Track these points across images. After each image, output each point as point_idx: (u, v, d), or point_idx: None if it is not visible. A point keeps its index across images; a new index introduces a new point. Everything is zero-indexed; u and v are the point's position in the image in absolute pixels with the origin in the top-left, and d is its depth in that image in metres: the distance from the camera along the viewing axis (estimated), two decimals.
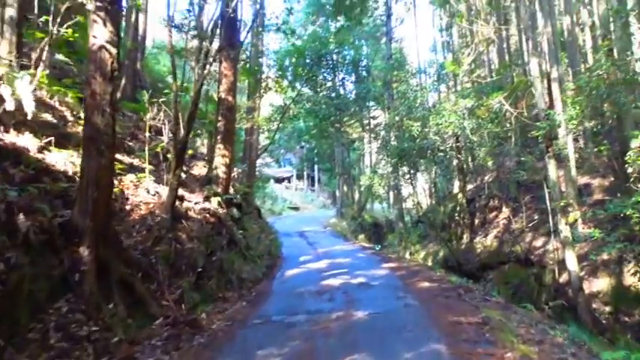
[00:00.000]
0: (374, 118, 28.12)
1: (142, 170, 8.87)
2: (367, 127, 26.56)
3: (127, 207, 7.43)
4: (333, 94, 21.47)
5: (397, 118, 16.49)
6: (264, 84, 16.82)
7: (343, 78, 21.39)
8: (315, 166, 52.91)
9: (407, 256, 24.74)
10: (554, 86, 12.91)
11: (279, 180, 58.63)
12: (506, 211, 20.38)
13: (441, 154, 16.48)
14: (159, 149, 9.19)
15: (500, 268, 18.18)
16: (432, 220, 21.95)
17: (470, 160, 22.57)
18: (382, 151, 18.85)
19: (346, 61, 20.85)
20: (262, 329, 6.34)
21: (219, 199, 9.66)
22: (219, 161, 10.12)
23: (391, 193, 38.50)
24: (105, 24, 5.78)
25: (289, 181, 59.71)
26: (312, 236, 21.82)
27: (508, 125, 15.77)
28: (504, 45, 19.26)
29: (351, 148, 27.82)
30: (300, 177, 59.05)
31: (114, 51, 5.84)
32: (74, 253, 5.47)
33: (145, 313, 5.91)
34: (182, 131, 7.94)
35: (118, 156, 9.06)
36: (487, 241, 19.88)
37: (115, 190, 7.32)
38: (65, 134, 7.69)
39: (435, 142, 15.77)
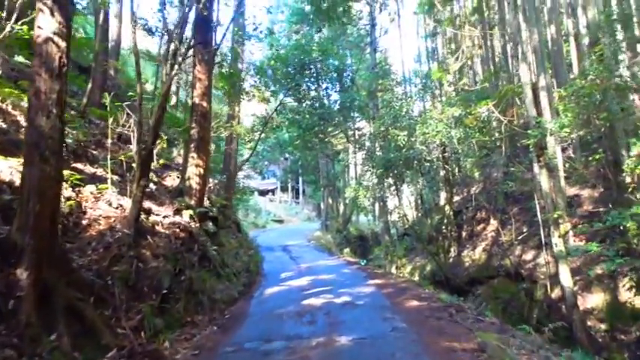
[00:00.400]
0: (359, 129, 27.66)
1: (105, 181, 8.11)
2: (352, 138, 26.03)
3: (84, 222, 6.65)
4: (317, 104, 20.89)
5: (382, 128, 15.96)
6: (243, 90, 16.13)
7: (327, 87, 20.91)
8: (300, 179, 52.24)
9: (393, 270, 24.13)
10: (543, 95, 12.50)
11: (263, 192, 57.74)
12: (494, 223, 19.94)
13: (428, 164, 15.99)
14: (123, 158, 8.43)
15: (489, 282, 17.65)
16: (418, 233, 21.39)
17: (457, 170, 22.16)
18: (367, 162, 18.28)
19: (330, 70, 20.33)
20: (233, 359, 5.61)
21: (191, 212, 8.91)
22: (193, 171, 9.39)
23: (377, 206, 38.07)
24: (52, 13, 5.07)
25: (273, 194, 58.87)
26: (296, 250, 21.07)
27: (497, 134, 15.35)
28: (489, 54, 19.02)
29: (335, 159, 27.26)
30: (284, 189, 58.27)
31: (63, 44, 5.13)
32: (10, 275, 4.70)
33: (97, 344, 5.13)
34: (149, 138, 7.23)
35: (79, 165, 8.30)
36: (475, 255, 19.37)
37: (70, 202, 6.57)
38: (16, 141, 6.93)
39: (422, 152, 15.27)
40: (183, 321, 6.83)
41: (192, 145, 9.50)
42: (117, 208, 7.56)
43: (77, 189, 7.10)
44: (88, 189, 7.32)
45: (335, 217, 32.98)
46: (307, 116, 20.55)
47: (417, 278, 21.57)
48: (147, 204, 8.37)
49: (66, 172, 6.33)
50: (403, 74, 21.42)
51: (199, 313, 7.34)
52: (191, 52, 9.21)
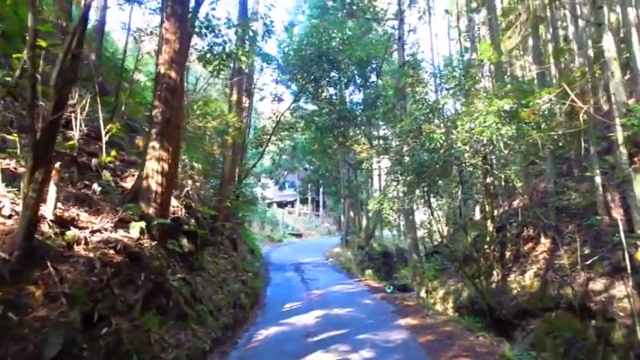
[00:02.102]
0: (384, 138, 24.64)
1: (13, 177, 5.41)
2: (376, 145, 22.97)
3: None
4: (336, 101, 18.04)
5: (414, 124, 12.98)
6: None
7: (348, 81, 17.97)
8: (320, 190, 49.32)
9: (422, 294, 20.96)
10: None
11: (281, 204, 55.09)
12: (545, 243, 16.60)
13: (470, 168, 12.92)
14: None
15: (544, 316, 14.29)
16: (452, 252, 18.14)
17: (500, 180, 18.95)
18: (395, 166, 15.27)
19: (352, 61, 17.48)
20: None
21: (142, 224, 6.11)
22: (153, 167, 6.64)
23: (402, 219, 34.78)
24: None
25: (292, 206, 56.13)
26: (310, 270, 18.12)
27: (560, 132, 12.20)
28: (552, 31, 15.58)
29: (358, 169, 24.45)
30: (304, 201, 55.41)
31: None
32: None
33: None
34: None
35: None
36: (525, 280, 15.99)
37: None
38: None
39: (463, 153, 12.21)
40: None
41: (154, 131, 6.77)
42: (10, 217, 4.83)
43: None
44: None
45: (356, 232, 29.90)
46: (325, 116, 17.68)
47: (450, 305, 18.30)
48: (72, 211, 5.61)
49: None
50: (437, 68, 18.46)
51: None
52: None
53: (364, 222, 30.45)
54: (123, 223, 6.17)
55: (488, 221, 17.13)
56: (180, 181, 8.50)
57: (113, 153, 7.24)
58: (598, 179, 14.60)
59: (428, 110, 12.91)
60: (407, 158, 14.22)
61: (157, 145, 6.80)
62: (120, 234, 5.89)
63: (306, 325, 8.32)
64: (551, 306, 14.27)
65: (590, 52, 14.31)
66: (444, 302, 18.80)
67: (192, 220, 8.39)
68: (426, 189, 15.48)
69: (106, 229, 5.70)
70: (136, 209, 6.50)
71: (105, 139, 7.12)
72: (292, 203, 56.36)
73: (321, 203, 54.46)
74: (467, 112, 11.87)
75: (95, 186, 6.69)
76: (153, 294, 5.80)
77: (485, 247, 16.83)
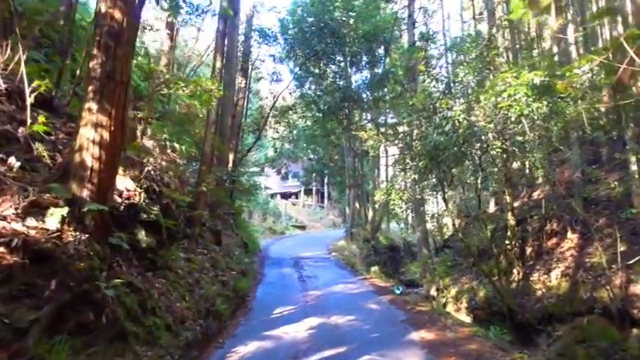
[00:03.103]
0: (393, 126, 22.75)
1: None
2: (383, 132, 21.11)
3: None
4: (340, 80, 16.23)
5: (428, 102, 11.21)
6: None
7: (354, 58, 16.09)
8: (325, 180, 47.52)
9: (433, 292, 19.28)
10: None
11: (285, 195, 53.46)
12: (572, 238, 14.78)
13: (493, 152, 11.11)
14: None
15: (574, 321, 12.58)
16: (466, 247, 16.33)
17: (523, 168, 17.07)
18: (405, 151, 13.50)
19: (357, 35, 15.62)
20: None
21: (64, 211, 4.45)
22: (89, 136, 4.96)
23: (410, 212, 32.91)
24: None
25: (297, 197, 54.46)
26: (310, 266, 16.42)
27: (602, 105, 10.37)
28: None
29: (364, 155, 22.71)
30: (308, 192, 53.69)
31: None
32: None
33: None
34: None
35: None
36: (551, 280, 14.18)
37: None
38: None
39: (486, 134, 10.41)
40: None
41: (90, 89, 5.07)
42: None
43: None
44: None
45: (362, 225, 28.17)
46: (328, 96, 15.88)
47: (464, 305, 16.59)
48: None
49: None
50: (453, 40, 16.49)
51: None
52: None
53: (370, 214, 28.72)
54: (39, 210, 4.50)
55: (509, 214, 15.28)
56: (140, 158, 6.81)
57: (41, 119, 5.54)
58: (634, 167, 12.70)
59: (444, 85, 11.12)
60: (418, 142, 12.45)
61: (94, 107, 5.09)
62: (28, 224, 4.22)
63: (295, 341, 6.64)
64: (583, 310, 12.47)
65: None
66: (456, 302, 17.07)
67: (156, 208, 6.70)
68: (439, 176, 13.72)
69: (3, 218, 4.03)
70: (63, 191, 4.81)
71: (29, 99, 5.41)
72: (296, 194, 54.69)
73: (325, 194, 52.73)
74: (492, 84, 10.07)
75: (12, 160, 5.02)
76: (73, 308, 4.13)
77: (506, 242, 15.03)
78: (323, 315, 8.37)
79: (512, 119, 9.91)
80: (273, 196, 48.40)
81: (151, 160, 6.84)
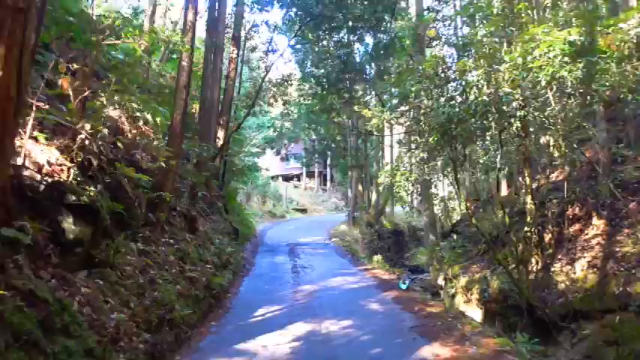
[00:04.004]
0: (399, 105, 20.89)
1: None
2: (388, 107, 19.32)
3: None
4: (340, 46, 14.49)
5: (441, 66, 9.54)
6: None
7: (356, 22, 14.26)
8: (328, 162, 45.87)
9: (440, 281, 17.81)
10: None
11: (287, 178, 51.96)
12: (598, 225, 13.16)
13: (517, 124, 9.45)
14: None
15: (604, 319, 11.08)
16: (483, 233, 14.76)
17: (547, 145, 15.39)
18: (412, 126, 11.87)
19: None
20: None
21: None
22: None
23: (416, 194, 31.23)
24: None
25: (299, 179, 52.91)
26: (307, 254, 14.94)
27: None
28: None
29: (368, 133, 21.04)
30: (310, 175, 52.10)
31: None
32: None
33: None
34: None
35: None
36: (576, 272, 12.64)
37: None
38: None
39: (510, 102, 8.73)
40: None
41: None
42: None
43: None
44: None
45: (365, 208, 26.64)
46: (327, 66, 14.17)
47: (475, 296, 15.04)
48: None
49: None
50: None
51: None
52: None
53: (374, 197, 27.16)
54: None
55: (527, 197, 13.62)
56: (73, 123, 5.22)
57: None
58: None
59: (461, 44, 9.41)
60: (429, 114, 10.78)
61: None
62: None
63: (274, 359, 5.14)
64: (615, 307, 10.86)
65: None
66: (466, 293, 15.53)
67: (94, 188, 5.15)
68: (452, 155, 12.08)
69: None
70: None
71: None
72: (298, 177, 53.14)
73: (328, 177, 51.15)
74: (520, 41, 8.37)
75: None
76: None
77: (526, 228, 13.41)
78: (313, 319, 6.87)
79: (543, 84, 8.27)
80: (274, 178, 46.91)
81: (87, 127, 5.26)
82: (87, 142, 5.20)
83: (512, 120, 9.24)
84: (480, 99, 8.71)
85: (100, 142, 5.60)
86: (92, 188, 5.15)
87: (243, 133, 29.88)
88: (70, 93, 5.20)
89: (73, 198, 4.85)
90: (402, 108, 20.38)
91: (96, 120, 5.46)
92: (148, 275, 5.83)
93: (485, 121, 9.24)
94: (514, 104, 8.99)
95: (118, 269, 5.34)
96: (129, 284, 5.30)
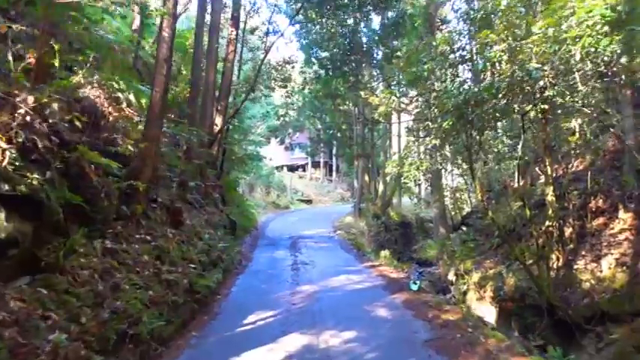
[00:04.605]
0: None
1: None
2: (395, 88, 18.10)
3: None
4: (346, 28, 13.37)
5: (458, 41, 8.44)
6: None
7: (361, 2, 13.09)
8: (334, 152, 44.75)
9: (451, 276, 16.85)
10: None
11: (292, 168, 51.03)
12: (625, 218, 12.08)
13: (544, 106, 8.34)
14: None
15: (634, 322, 10.10)
16: (499, 226, 13.66)
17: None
18: (424, 110, 10.80)
19: None
20: None
21: None
22: None
23: (424, 185, 30.27)
24: None
25: (304, 170, 51.96)
26: (309, 248, 13.96)
27: None
28: None
29: (374, 120, 19.95)
30: (316, 165, 51.05)
31: None
32: None
33: None
34: None
35: None
36: (603, 270, 11.59)
37: None
38: None
39: (538, 80, 7.62)
40: None
41: None
42: None
43: None
44: None
45: (371, 199, 25.63)
46: (331, 46, 13.06)
47: (489, 294, 14.03)
48: None
49: None
50: None
51: None
52: None
53: (381, 188, 26.13)
54: None
55: (549, 188, 12.52)
56: (12, 95, 4.23)
57: None
58: None
59: (480, 16, 8.28)
60: (444, 96, 9.70)
61: None
62: None
63: None
64: None
65: None
66: (479, 290, 14.51)
67: (38, 175, 4.17)
68: (466, 141, 11.01)
69: None
70: None
71: None
72: (303, 167, 52.16)
73: (334, 167, 50.09)
74: (552, 9, 7.24)
75: None
76: None
77: (547, 222, 12.33)
78: (311, 329, 5.89)
79: (577, 58, 7.15)
80: (278, 168, 45.94)
81: (30, 99, 4.27)
82: (29, 118, 4.20)
83: (538, 101, 8.14)
84: (503, 76, 7.62)
85: (51, 121, 4.61)
86: (36, 175, 4.17)
87: (246, 122, 28.87)
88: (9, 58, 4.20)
89: (7, 187, 3.87)
90: (412, 93, 19.32)
91: (43, 92, 4.45)
92: (111, 280, 4.86)
93: (507, 103, 8.16)
94: (540, 83, 7.89)
95: (70, 274, 4.38)
96: (83, 293, 4.33)
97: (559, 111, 8.94)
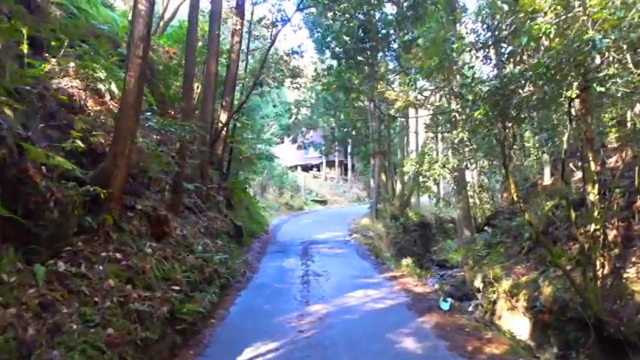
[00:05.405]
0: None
1: None
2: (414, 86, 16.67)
3: None
4: (360, 11, 12.09)
5: (497, 15, 7.08)
6: None
7: None
8: (349, 151, 43.37)
9: (477, 283, 15.44)
10: None
11: (306, 168, 49.86)
12: None
13: (613, 87, 6.91)
14: None
15: None
16: (535, 228, 12.16)
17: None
18: (450, 99, 9.43)
19: None
20: None
21: None
22: None
23: (444, 184, 28.75)
24: None
25: (318, 169, 50.74)
26: (323, 255, 12.66)
27: None
28: None
29: (393, 125, 18.64)
30: (331, 164, 49.76)
31: None
32: None
33: None
34: None
35: None
36: None
37: None
38: None
39: (603, 49, 6.17)
40: None
41: None
42: None
43: None
44: None
45: (389, 199, 24.28)
46: (344, 34, 11.76)
47: (522, 304, 12.58)
48: None
49: None
50: None
51: None
52: None
53: (398, 187, 24.76)
54: None
55: (591, 186, 10.97)
56: None
57: None
58: None
59: None
60: (476, 80, 8.33)
61: None
62: None
63: None
64: None
65: None
66: (510, 299, 13.06)
67: None
68: (500, 134, 9.60)
69: None
70: None
71: None
72: (318, 167, 50.93)
73: (349, 166, 48.75)
74: None
75: None
76: None
77: (593, 225, 10.79)
78: None
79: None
80: (292, 168, 44.78)
81: None
82: None
83: (595, 82, 6.71)
84: (553, 52, 6.23)
85: None
86: None
87: (259, 121, 27.73)
88: None
89: None
90: (431, 87, 17.94)
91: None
92: (51, 318, 3.63)
93: (556, 85, 6.76)
94: (597, 60, 6.47)
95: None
96: (0, 343, 3.10)
97: (618, 94, 7.44)
